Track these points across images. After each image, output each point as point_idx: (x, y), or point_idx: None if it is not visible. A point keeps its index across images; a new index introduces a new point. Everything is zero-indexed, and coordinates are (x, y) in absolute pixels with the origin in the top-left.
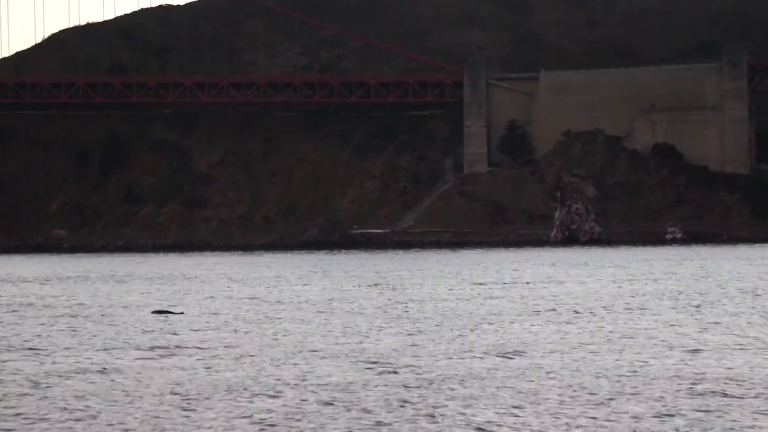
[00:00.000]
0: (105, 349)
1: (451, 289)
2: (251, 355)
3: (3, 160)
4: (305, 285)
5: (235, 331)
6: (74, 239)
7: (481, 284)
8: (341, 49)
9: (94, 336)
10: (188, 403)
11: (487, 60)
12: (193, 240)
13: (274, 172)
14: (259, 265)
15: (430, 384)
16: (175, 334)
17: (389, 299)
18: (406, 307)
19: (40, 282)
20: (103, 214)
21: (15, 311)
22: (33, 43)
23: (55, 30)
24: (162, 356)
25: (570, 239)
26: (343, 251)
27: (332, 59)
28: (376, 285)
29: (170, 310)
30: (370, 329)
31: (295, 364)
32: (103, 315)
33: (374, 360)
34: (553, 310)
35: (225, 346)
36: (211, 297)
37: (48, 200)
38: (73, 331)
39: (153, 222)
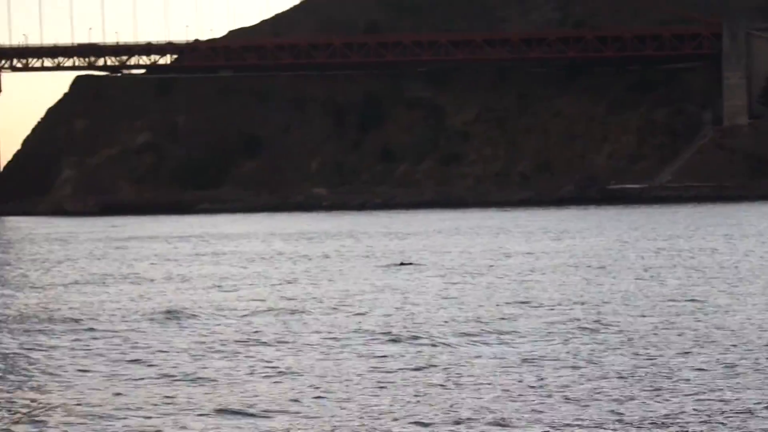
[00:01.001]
0: None
1: None
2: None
3: (263, 120)
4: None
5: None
6: (333, 198)
7: None
8: (595, 3)
9: None
10: None
11: (748, 11)
12: (449, 197)
13: (529, 128)
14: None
15: None
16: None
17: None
18: None
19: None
20: (361, 173)
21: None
22: (291, 5)
23: None
24: None
25: None
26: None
27: (586, 13)
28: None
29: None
30: None
31: None
32: None
33: None
34: None
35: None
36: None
37: (307, 160)
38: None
39: (410, 179)
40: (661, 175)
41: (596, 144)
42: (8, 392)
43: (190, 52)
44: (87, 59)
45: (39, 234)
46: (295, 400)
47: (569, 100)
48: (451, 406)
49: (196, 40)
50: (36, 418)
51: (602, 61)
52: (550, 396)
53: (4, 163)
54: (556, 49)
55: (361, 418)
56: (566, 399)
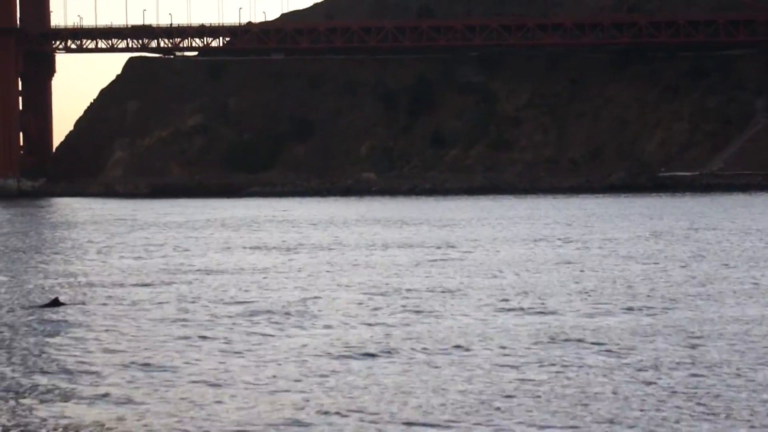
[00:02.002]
0: None
1: None
2: None
3: (314, 104)
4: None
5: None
6: (383, 182)
7: None
8: None
9: None
10: None
11: None
12: (499, 183)
13: (580, 114)
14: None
15: None
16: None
17: None
18: None
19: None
20: (411, 157)
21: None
22: None
23: None
24: None
25: None
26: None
27: None
28: None
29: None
30: None
31: None
32: None
33: None
34: None
35: None
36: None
37: (357, 143)
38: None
39: (460, 165)
40: (712, 163)
41: (648, 131)
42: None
43: (242, 35)
44: (140, 41)
45: (102, 216)
46: None
47: (621, 86)
48: None
49: (249, 23)
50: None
51: (655, 46)
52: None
53: (56, 144)
54: (609, 34)
55: None
56: None
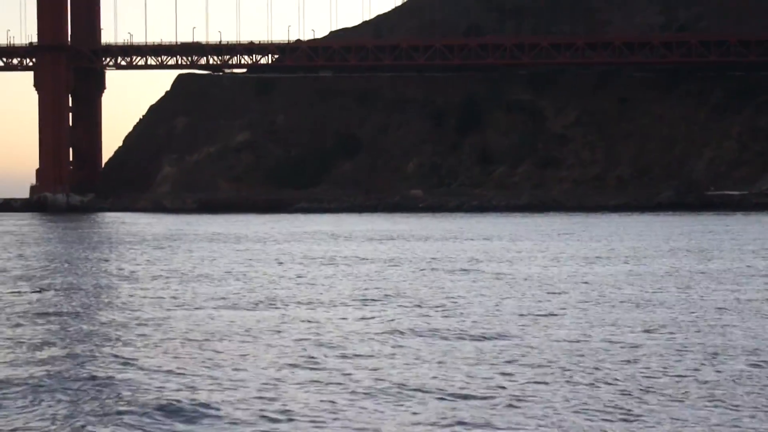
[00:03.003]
0: None
1: None
2: None
3: (362, 120)
4: None
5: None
6: (430, 199)
7: None
8: (699, 8)
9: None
10: None
11: None
12: (546, 200)
13: (628, 132)
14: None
15: None
16: None
17: None
18: None
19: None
20: (459, 174)
21: None
22: (393, 6)
23: None
24: None
25: None
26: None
27: (690, 17)
28: None
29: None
30: None
31: None
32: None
33: None
34: None
35: None
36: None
37: (405, 160)
38: None
39: (507, 182)
40: (761, 182)
41: (696, 149)
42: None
43: (291, 52)
44: (190, 58)
45: (157, 233)
46: None
47: (670, 104)
48: None
49: (298, 40)
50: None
51: (705, 66)
52: None
53: (105, 159)
54: (658, 53)
55: None
56: None
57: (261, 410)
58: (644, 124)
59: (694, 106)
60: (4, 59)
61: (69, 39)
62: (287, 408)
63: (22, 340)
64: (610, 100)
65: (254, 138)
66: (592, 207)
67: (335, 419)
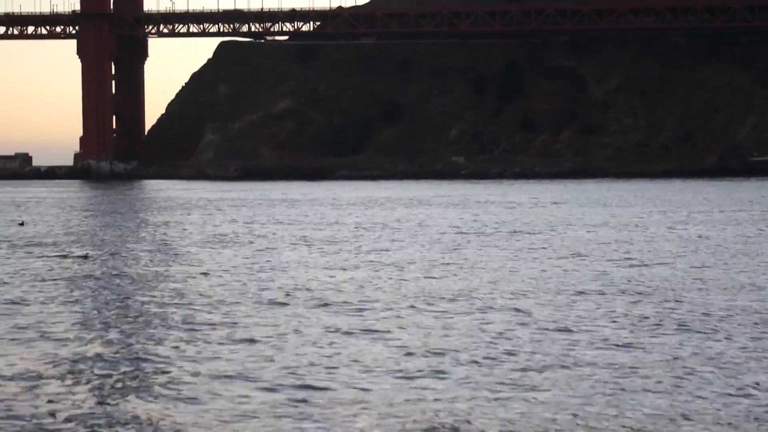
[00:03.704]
0: None
1: None
2: None
3: (404, 88)
4: None
5: None
6: (472, 166)
7: None
8: None
9: None
10: None
11: None
12: (588, 167)
13: (671, 99)
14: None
15: None
16: None
17: None
18: None
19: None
20: (500, 141)
21: None
22: None
23: None
24: None
25: None
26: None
27: None
28: None
29: None
30: None
31: None
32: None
33: None
34: None
35: None
36: None
37: (447, 127)
38: None
39: (549, 149)
40: None
41: (740, 115)
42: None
43: (332, 19)
44: (231, 25)
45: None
46: None
47: (713, 70)
48: None
49: (339, 7)
50: None
51: (749, 30)
52: None
53: (148, 127)
54: (701, 18)
55: None
56: None
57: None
58: (687, 90)
59: (737, 71)
60: (48, 27)
61: (111, 7)
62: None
63: (79, 312)
64: (653, 66)
65: (296, 105)
66: (636, 173)
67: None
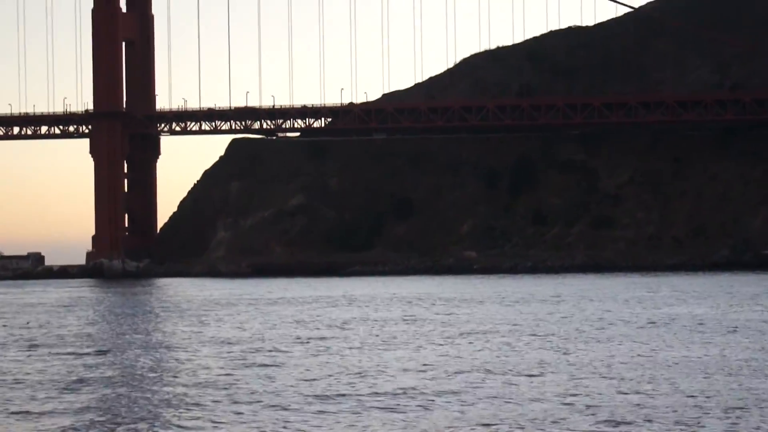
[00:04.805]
0: None
1: None
2: None
3: (415, 182)
4: None
5: None
6: (484, 260)
7: None
8: (753, 65)
9: None
10: None
11: None
12: (600, 260)
13: (683, 191)
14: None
15: None
16: None
17: None
18: None
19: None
20: (512, 236)
21: None
22: (445, 68)
23: (467, 54)
24: None
25: None
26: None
27: (744, 75)
28: None
29: None
30: None
31: None
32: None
33: None
34: None
35: None
36: None
37: (458, 222)
38: None
39: (561, 243)
40: None
41: (752, 208)
42: None
43: (344, 115)
44: (243, 122)
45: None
46: None
47: (725, 163)
48: None
49: (350, 103)
50: None
51: (760, 123)
52: None
53: (160, 224)
54: (712, 111)
55: None
56: None
57: None
58: (698, 183)
59: (748, 164)
60: (61, 127)
61: (124, 105)
62: None
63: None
64: (664, 159)
65: (308, 201)
66: (648, 266)
67: None
